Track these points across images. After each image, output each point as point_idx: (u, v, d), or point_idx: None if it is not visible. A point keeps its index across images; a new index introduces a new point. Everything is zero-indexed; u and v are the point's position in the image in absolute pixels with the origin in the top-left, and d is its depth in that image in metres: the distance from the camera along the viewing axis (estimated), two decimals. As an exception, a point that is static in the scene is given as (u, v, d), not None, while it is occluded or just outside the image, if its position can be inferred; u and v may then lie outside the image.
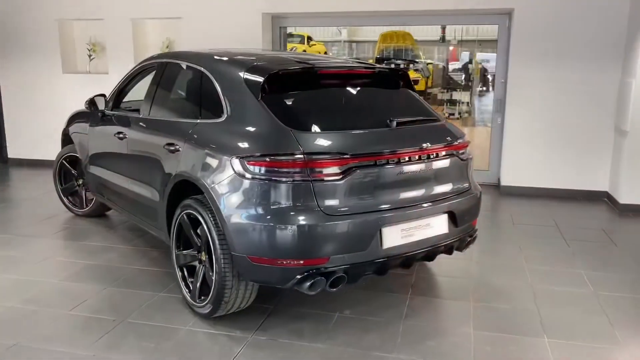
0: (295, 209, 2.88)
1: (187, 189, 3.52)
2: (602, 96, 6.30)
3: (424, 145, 3.22)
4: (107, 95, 4.78)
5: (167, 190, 3.59)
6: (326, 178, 2.90)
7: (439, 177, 3.33)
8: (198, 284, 3.38)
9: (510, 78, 6.63)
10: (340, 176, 2.92)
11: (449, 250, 3.45)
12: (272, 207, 2.90)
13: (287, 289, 3.10)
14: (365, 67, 3.74)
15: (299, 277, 2.91)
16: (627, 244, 4.88)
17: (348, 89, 3.53)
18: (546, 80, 6.41)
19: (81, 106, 7.78)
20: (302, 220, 2.87)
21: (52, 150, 8.15)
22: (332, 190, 2.92)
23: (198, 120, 3.48)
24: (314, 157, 2.89)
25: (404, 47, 15.57)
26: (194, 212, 3.31)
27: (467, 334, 3.24)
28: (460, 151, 3.49)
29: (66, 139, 5.68)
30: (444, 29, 14.77)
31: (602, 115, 6.32)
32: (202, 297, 3.35)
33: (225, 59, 3.67)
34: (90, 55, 8.01)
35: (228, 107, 3.30)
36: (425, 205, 3.21)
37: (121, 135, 4.27)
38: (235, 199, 2.99)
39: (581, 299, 3.73)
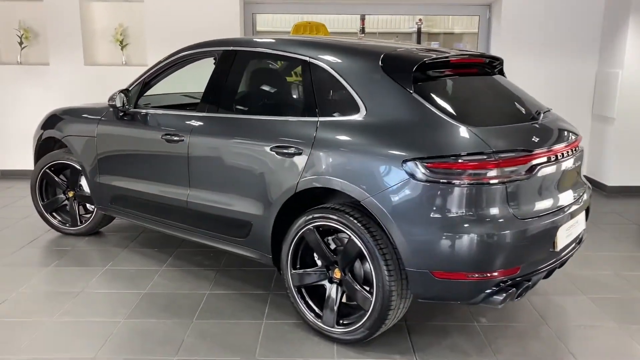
0: (490, 215, 2.57)
1: (300, 199, 3.05)
2: (580, 86, 6.66)
3: (571, 138, 3.08)
4: (129, 90, 3.99)
5: (281, 200, 3.06)
6: (515, 178, 2.63)
7: (578, 171, 3.22)
8: (336, 307, 2.93)
9: (492, 69, 6.77)
10: (526, 175, 2.67)
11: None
12: (462, 214, 2.56)
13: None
14: (479, 56, 3.48)
15: (489, 290, 2.62)
16: (646, 224, 5.21)
17: (477, 78, 3.26)
18: (525, 70, 6.61)
19: (16, 103, 6.63)
20: (498, 226, 2.57)
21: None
22: (521, 192, 2.66)
23: (319, 119, 2.99)
24: (503, 155, 2.60)
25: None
26: (331, 224, 2.85)
27: (615, 329, 3.17)
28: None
29: (44, 145, 4.71)
30: (363, 19, 14.80)
31: (579, 104, 6.70)
32: (345, 322, 2.92)
33: (344, 47, 3.20)
34: (21, 43, 6.76)
35: (365, 103, 2.87)
36: (577, 201, 3.08)
37: (175, 138, 3.58)
38: (414, 207, 2.61)
39: (671, 282, 3.88)
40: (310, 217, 2.94)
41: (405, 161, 2.61)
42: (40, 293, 3.58)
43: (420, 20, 21.06)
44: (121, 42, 6.78)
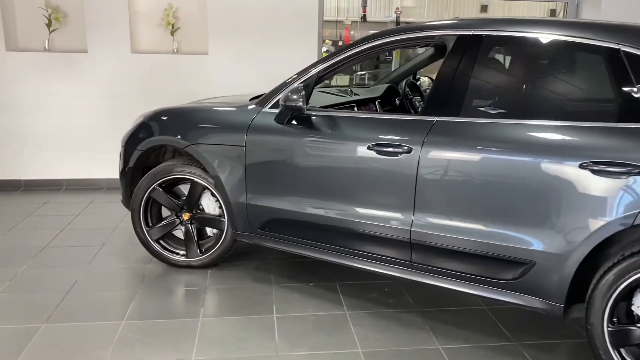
0: None
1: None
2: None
3: None
4: (302, 86, 3.08)
5: (602, 234, 2.31)
6: None
7: None
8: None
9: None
10: None
11: None
12: None
13: None
14: None
15: None
16: None
17: None
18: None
19: (43, 99, 5.42)
20: None
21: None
22: None
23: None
24: None
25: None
26: None
27: None
28: None
29: (143, 157, 3.70)
30: (364, 7, 14.09)
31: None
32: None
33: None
34: (49, 25, 5.55)
35: None
36: None
37: (396, 150, 2.74)
38: None
39: None
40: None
41: None
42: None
43: (398, 9, 20.41)
44: (172, 26, 5.72)
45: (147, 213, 3.68)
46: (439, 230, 2.71)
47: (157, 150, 3.81)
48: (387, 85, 4.26)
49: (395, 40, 2.95)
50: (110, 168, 5.65)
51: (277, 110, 3.21)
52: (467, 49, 2.72)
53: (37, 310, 3.09)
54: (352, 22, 18.23)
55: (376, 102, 4.00)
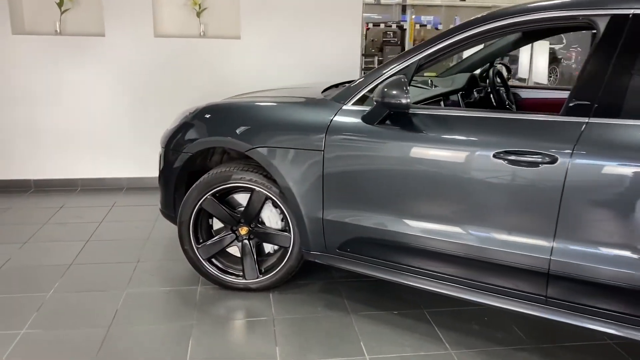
0: None
1: None
2: None
3: None
4: (405, 79, 2.49)
5: None
6: None
7: None
8: None
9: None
10: None
11: None
12: None
13: None
14: None
15: None
16: None
17: None
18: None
19: (54, 88, 4.80)
20: None
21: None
22: None
23: None
24: None
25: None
26: None
27: None
28: None
29: (190, 161, 3.13)
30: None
31: None
32: None
33: None
34: (61, 5, 4.90)
35: None
36: None
37: (533, 159, 2.19)
38: None
39: None
40: None
41: None
42: None
43: (403, -8, 19.55)
44: (199, 6, 5.10)
45: (198, 227, 3.11)
46: (589, 260, 2.16)
47: (205, 152, 3.24)
48: (469, 74, 3.68)
49: (525, 20, 2.37)
50: (131, 166, 5.10)
51: (363, 107, 2.65)
52: (626, 33, 2.16)
53: (77, 354, 2.53)
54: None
55: (459, 95, 3.43)
